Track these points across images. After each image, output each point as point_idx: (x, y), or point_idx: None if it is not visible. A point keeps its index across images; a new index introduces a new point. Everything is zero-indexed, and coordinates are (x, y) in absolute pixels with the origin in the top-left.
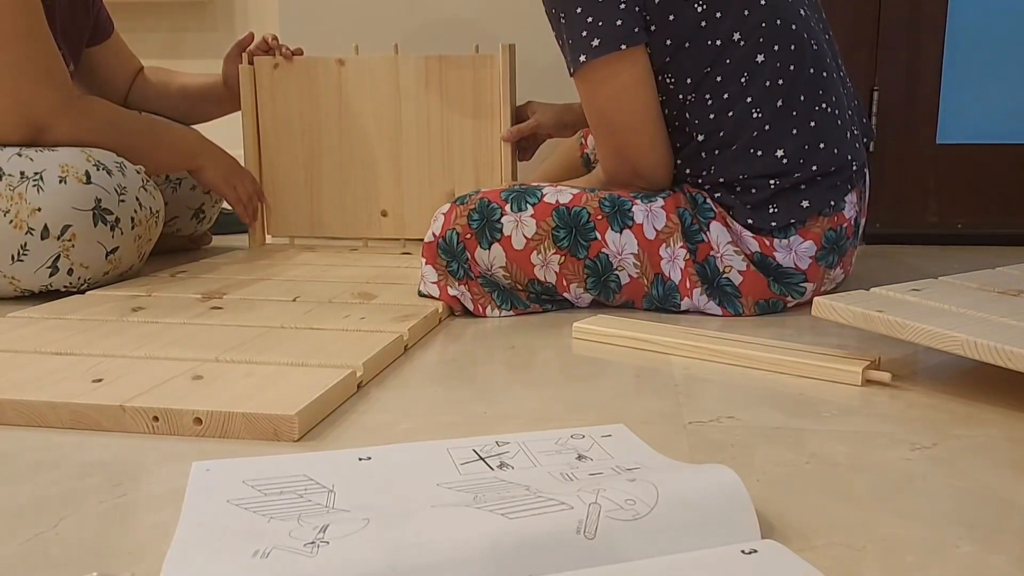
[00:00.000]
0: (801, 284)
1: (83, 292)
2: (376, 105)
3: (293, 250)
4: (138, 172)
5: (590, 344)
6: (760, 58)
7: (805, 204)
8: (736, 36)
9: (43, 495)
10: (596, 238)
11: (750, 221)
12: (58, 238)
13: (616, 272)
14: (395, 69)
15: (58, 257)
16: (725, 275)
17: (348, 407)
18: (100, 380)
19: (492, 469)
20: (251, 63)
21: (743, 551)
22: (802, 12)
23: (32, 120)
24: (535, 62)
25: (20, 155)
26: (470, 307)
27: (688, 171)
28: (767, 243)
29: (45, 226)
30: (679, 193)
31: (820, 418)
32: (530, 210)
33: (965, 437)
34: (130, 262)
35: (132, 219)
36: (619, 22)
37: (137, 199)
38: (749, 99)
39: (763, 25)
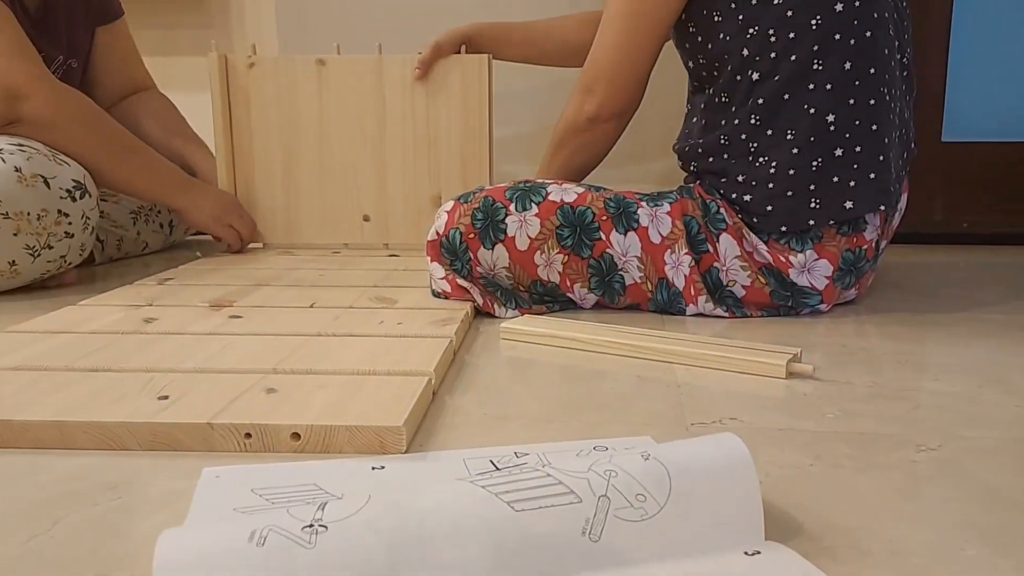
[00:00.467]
0: (816, 304)
1: None
2: (359, 106)
3: (272, 254)
4: (78, 184)
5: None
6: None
7: (815, 207)
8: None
9: (38, 498)
10: (600, 238)
11: (755, 220)
12: None
13: (621, 273)
14: (378, 70)
15: None
16: (728, 288)
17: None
18: (166, 397)
19: None
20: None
21: (746, 552)
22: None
23: (4, 87)
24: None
25: None
26: (479, 301)
27: (711, 160)
28: (783, 259)
29: None
30: (687, 199)
31: (824, 420)
32: (534, 209)
33: (971, 439)
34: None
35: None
36: None
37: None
38: (806, 105)
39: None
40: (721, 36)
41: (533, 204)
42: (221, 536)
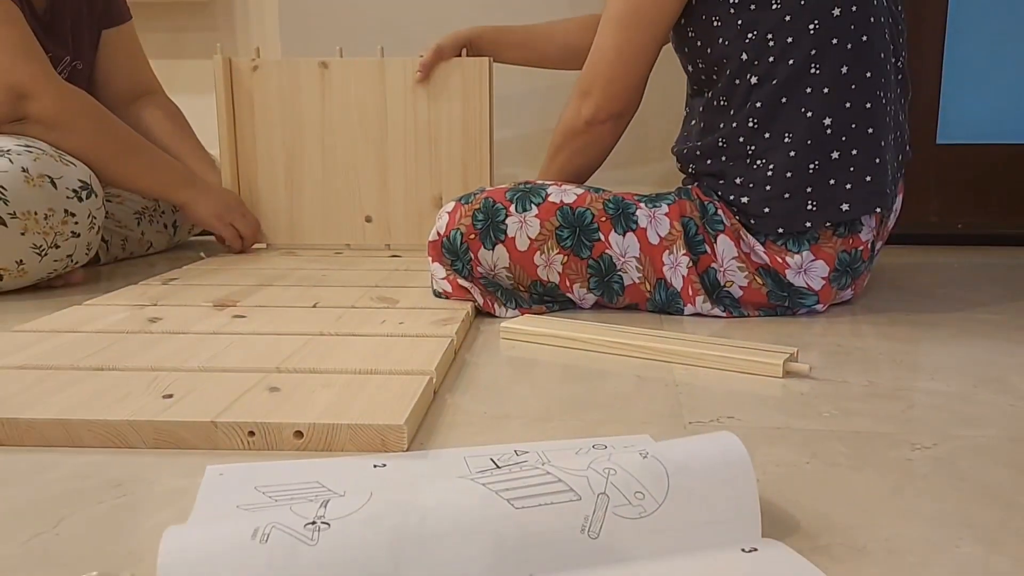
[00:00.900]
0: (812, 304)
1: None
2: (361, 109)
3: (275, 254)
4: (85, 183)
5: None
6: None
7: (811, 209)
8: (813, 52)
9: (43, 496)
10: (600, 239)
11: (753, 222)
12: None
13: (619, 273)
14: (380, 72)
15: None
16: (726, 288)
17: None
18: (171, 396)
19: None
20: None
21: (743, 550)
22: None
23: (11, 85)
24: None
25: None
26: (479, 301)
27: (709, 162)
28: (779, 260)
29: None
30: (685, 200)
31: (821, 418)
32: (534, 210)
33: (966, 438)
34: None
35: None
36: None
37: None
38: (803, 108)
39: (848, 47)
40: (720, 40)
41: (533, 205)
42: (225, 533)
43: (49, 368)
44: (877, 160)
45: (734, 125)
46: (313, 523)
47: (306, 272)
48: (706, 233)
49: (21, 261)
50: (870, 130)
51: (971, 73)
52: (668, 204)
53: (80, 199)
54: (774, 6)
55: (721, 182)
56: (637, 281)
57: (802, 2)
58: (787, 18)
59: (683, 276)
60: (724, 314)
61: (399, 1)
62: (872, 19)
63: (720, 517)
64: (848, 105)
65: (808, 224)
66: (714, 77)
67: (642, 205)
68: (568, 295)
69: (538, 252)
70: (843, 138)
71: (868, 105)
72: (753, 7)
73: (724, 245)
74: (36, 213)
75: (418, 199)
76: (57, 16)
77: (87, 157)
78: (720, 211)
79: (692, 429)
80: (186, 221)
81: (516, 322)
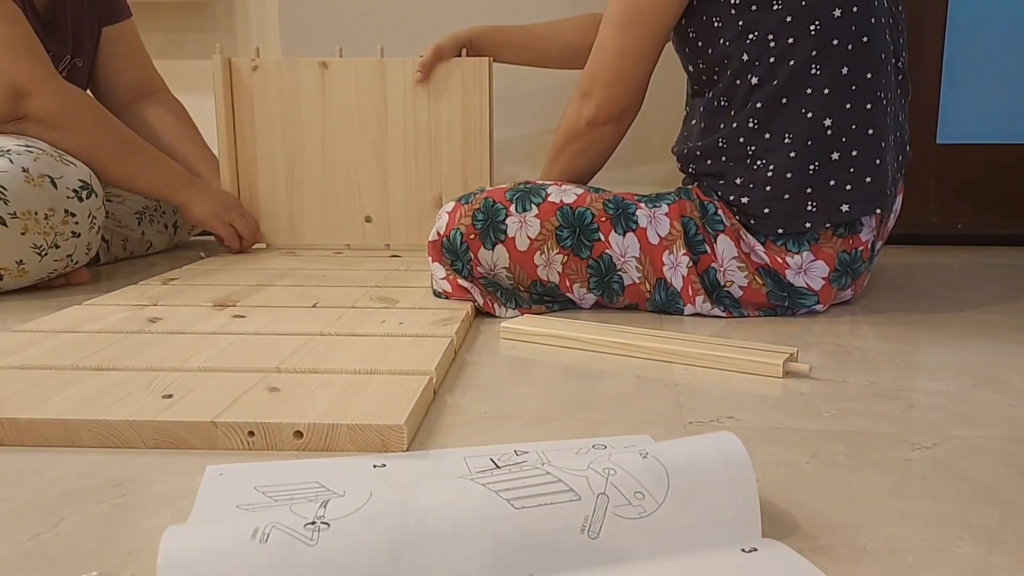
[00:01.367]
0: (812, 305)
1: None
2: (361, 109)
3: (275, 254)
4: (87, 184)
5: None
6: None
7: (811, 209)
8: (814, 53)
9: (43, 495)
10: (600, 239)
11: (753, 222)
12: None
13: (619, 273)
14: (380, 72)
15: None
16: (726, 288)
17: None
18: (170, 396)
19: None
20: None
21: (743, 550)
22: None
23: (11, 83)
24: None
25: None
26: (479, 301)
27: (709, 162)
28: (779, 260)
29: None
30: (685, 200)
31: (820, 418)
32: (534, 210)
33: (966, 438)
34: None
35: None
36: None
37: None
38: (804, 110)
39: (849, 48)
40: (720, 41)
41: (533, 205)
42: (225, 533)
43: (49, 368)
44: (877, 161)
45: (734, 126)
46: (313, 523)
47: (306, 272)
48: (706, 233)
49: (21, 261)
50: (870, 131)
51: (971, 73)
52: (668, 204)
53: (80, 199)
54: (775, 7)
55: (721, 182)
56: (637, 281)
57: (803, 3)
58: (788, 19)
59: (683, 276)
60: (724, 314)
61: (399, 1)
62: (872, 20)
63: (720, 517)
64: (848, 106)
65: (808, 225)
66: (715, 77)
67: (642, 205)
68: (568, 295)
69: (538, 252)
70: (843, 139)
71: (868, 106)
72: (754, 8)
73: (724, 245)
74: (36, 213)
75: (418, 199)
76: (58, 14)
77: (86, 157)
78: (720, 211)
79: (692, 429)
80: (186, 221)
81: (516, 322)
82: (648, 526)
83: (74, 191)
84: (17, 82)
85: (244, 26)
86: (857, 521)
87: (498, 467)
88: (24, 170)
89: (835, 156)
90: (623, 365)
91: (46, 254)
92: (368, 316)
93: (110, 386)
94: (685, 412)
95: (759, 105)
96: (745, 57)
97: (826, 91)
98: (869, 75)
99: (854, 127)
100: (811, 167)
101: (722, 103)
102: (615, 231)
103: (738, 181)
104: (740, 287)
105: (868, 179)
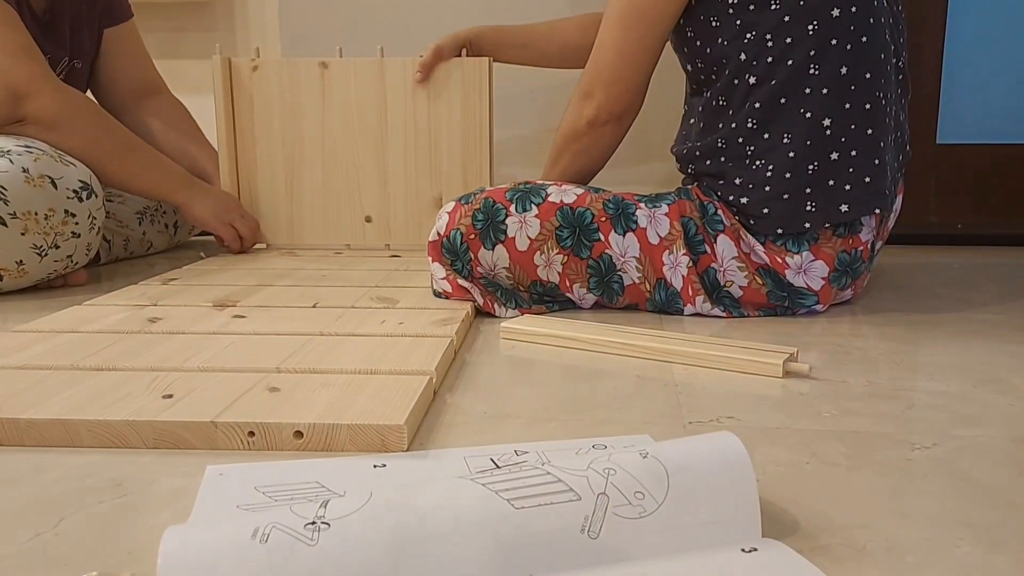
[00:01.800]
0: (812, 305)
1: None
2: (361, 109)
3: (275, 255)
4: (86, 184)
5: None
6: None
7: (811, 210)
8: (812, 53)
9: (43, 495)
10: (599, 239)
11: (752, 222)
12: None
13: (619, 273)
14: (380, 72)
15: None
16: (726, 288)
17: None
18: (171, 396)
19: None
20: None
21: (743, 550)
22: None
23: (9, 86)
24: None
25: None
26: (479, 301)
27: (708, 162)
28: (779, 260)
29: None
30: (685, 200)
31: (820, 418)
32: (534, 210)
33: (966, 438)
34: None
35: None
36: None
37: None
38: (803, 110)
39: (848, 48)
40: (719, 40)
41: (533, 205)
42: (225, 533)
43: (49, 368)
44: (876, 161)
45: (733, 126)
46: (313, 523)
47: (306, 273)
48: (706, 233)
49: (21, 261)
50: (869, 131)
51: (971, 73)
52: (668, 204)
53: (80, 199)
54: (773, 7)
55: (721, 182)
56: (637, 281)
57: (801, 3)
58: (786, 19)
59: (683, 276)
60: (724, 314)
61: (399, 1)
62: (872, 20)
63: (720, 517)
64: (848, 106)
65: (807, 225)
66: (713, 77)
67: (642, 205)
68: (568, 295)
69: (538, 252)
70: (842, 139)
71: (868, 106)
72: (752, 7)
73: (724, 245)
74: (36, 213)
75: (418, 199)
76: (57, 16)
77: (85, 157)
78: (720, 211)
79: (692, 429)
80: (186, 222)
81: (516, 322)
82: (648, 526)
83: (74, 191)
84: (15, 84)
85: (244, 26)
86: (857, 521)
87: (498, 467)
88: (24, 170)
89: (834, 156)
90: (623, 365)
91: (46, 254)
92: (368, 316)
93: (110, 386)
94: (685, 412)
95: (758, 105)
96: (743, 57)
97: (825, 91)
98: (868, 75)
99: (853, 127)
100: (810, 167)
101: (721, 103)
102: (615, 231)
103: (737, 181)
104: (740, 287)
105: (867, 179)
